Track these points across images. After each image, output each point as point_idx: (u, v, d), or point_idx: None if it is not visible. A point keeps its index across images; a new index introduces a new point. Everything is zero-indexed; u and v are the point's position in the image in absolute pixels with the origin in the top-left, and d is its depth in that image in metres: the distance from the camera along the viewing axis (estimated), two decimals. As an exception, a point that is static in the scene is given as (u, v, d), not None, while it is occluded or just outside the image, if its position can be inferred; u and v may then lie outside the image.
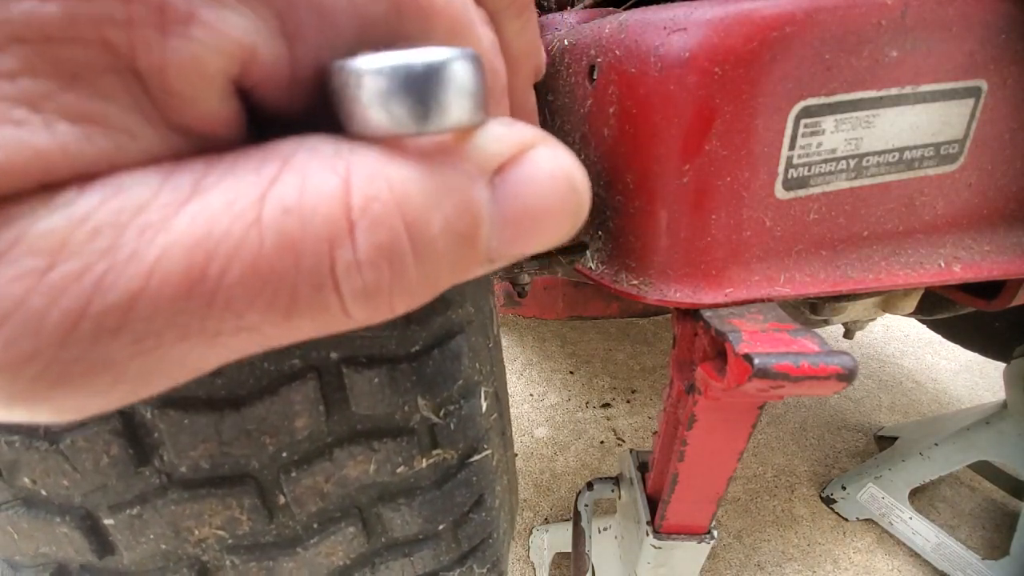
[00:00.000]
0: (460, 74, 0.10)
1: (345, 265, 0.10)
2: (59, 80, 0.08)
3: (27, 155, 0.08)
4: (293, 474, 0.33)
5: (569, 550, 0.73)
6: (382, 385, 0.33)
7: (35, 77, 0.08)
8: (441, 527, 0.41)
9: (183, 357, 0.10)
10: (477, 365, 0.39)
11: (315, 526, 0.36)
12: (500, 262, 0.12)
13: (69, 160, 0.09)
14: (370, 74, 0.10)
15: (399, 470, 0.36)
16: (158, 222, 0.09)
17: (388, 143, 0.10)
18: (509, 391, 1.37)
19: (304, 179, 0.09)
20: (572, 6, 0.49)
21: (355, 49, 0.11)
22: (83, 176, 0.09)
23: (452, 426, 0.38)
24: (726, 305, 0.32)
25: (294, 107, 0.11)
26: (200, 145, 0.10)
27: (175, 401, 0.29)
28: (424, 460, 0.37)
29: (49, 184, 0.09)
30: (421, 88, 0.10)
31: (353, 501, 0.37)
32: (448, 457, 0.39)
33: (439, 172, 0.10)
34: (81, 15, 0.08)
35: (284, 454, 0.32)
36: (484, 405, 0.40)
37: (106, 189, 0.09)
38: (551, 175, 0.12)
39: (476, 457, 0.41)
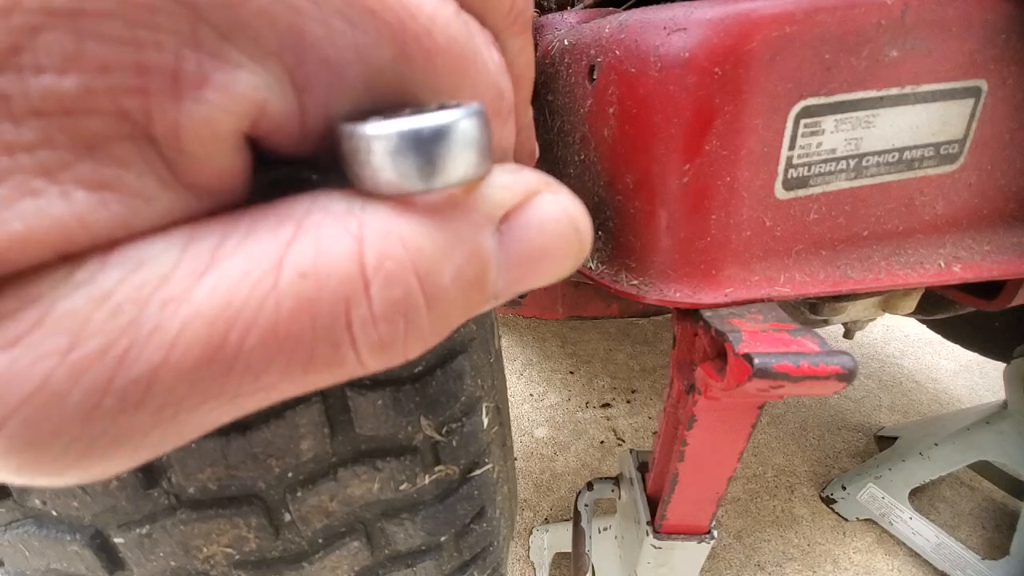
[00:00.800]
0: (466, 133, 0.10)
1: (361, 322, 0.10)
2: (76, 150, 0.08)
3: (46, 225, 0.08)
4: (299, 493, 0.34)
5: (569, 550, 0.73)
6: (386, 407, 0.34)
7: (53, 149, 0.08)
8: (443, 539, 0.41)
9: (202, 419, 0.10)
10: (479, 381, 0.39)
11: (320, 541, 0.37)
12: (505, 298, 0.13)
13: (86, 228, 0.09)
14: (380, 139, 0.10)
15: (402, 487, 0.37)
16: (179, 295, 0.09)
17: (398, 199, 0.11)
18: (509, 391, 1.37)
19: (319, 241, 0.10)
20: (572, 6, 0.49)
21: (363, 96, 0.11)
22: (102, 245, 0.09)
23: (454, 443, 0.38)
24: (726, 305, 0.32)
25: (302, 152, 0.11)
26: (212, 200, 0.10)
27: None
28: (427, 477, 0.38)
29: (68, 255, 0.09)
30: (429, 149, 0.10)
31: (357, 517, 0.38)
32: (450, 473, 0.39)
33: (449, 224, 0.11)
34: (98, 87, 0.08)
35: (290, 475, 0.33)
36: (486, 421, 0.41)
37: (126, 263, 0.09)
38: (555, 220, 0.12)
39: (478, 472, 0.41)
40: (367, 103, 0.11)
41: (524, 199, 0.12)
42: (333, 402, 0.33)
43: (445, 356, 0.36)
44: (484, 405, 0.40)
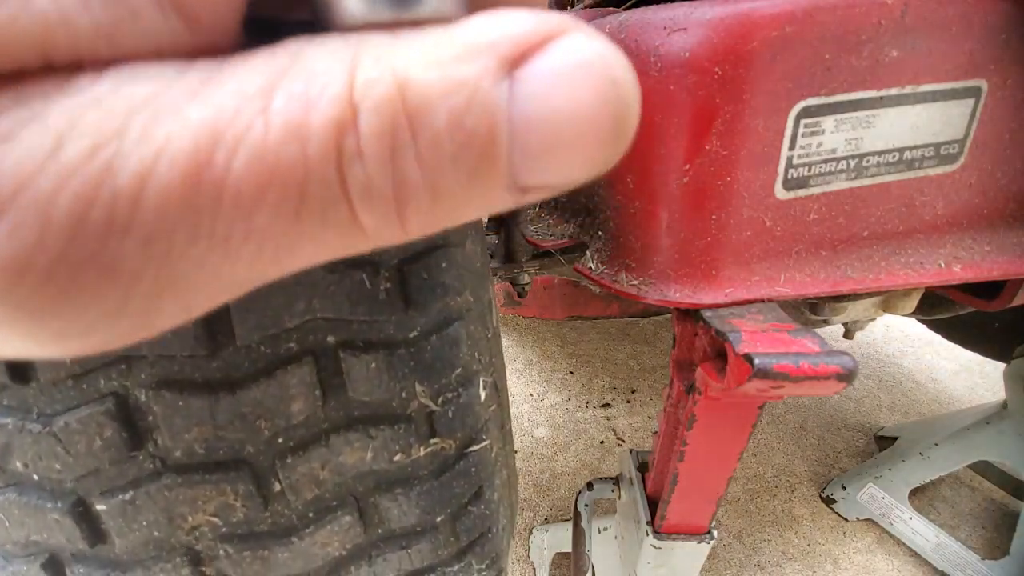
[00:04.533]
0: None
1: (350, 155, 0.09)
2: None
3: (28, 20, 0.08)
4: (288, 460, 0.33)
5: (569, 550, 0.73)
6: (380, 370, 0.33)
7: None
8: (439, 519, 0.40)
9: (196, 270, 0.09)
10: (476, 354, 0.39)
11: (311, 515, 0.36)
12: (529, 193, 0.11)
13: (69, 31, 0.08)
14: None
15: (396, 458, 0.36)
16: (169, 108, 0.09)
17: (395, 30, 0.10)
18: (509, 391, 1.37)
19: (312, 68, 0.09)
20: (572, 6, 0.49)
21: None
22: (95, 61, 0.09)
23: (450, 414, 0.37)
24: (726, 305, 0.32)
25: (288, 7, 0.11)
26: (204, 37, 0.10)
27: (170, 383, 0.29)
28: (422, 449, 0.37)
29: (53, 62, 0.08)
30: None
31: (349, 490, 0.37)
32: (446, 447, 0.38)
33: (446, 61, 0.09)
34: None
35: (279, 439, 0.32)
36: (483, 395, 0.40)
37: (120, 76, 0.09)
38: (583, 65, 0.10)
39: (475, 448, 0.40)
40: None
41: (544, 39, 0.10)
42: (326, 363, 0.32)
43: (441, 322, 0.35)
44: (482, 379, 0.40)
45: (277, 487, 0.34)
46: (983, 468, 1.04)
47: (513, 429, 1.25)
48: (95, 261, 0.09)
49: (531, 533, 0.96)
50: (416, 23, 0.10)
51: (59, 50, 0.08)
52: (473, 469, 0.41)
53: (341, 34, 0.10)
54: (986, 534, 0.98)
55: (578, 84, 0.10)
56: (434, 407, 0.36)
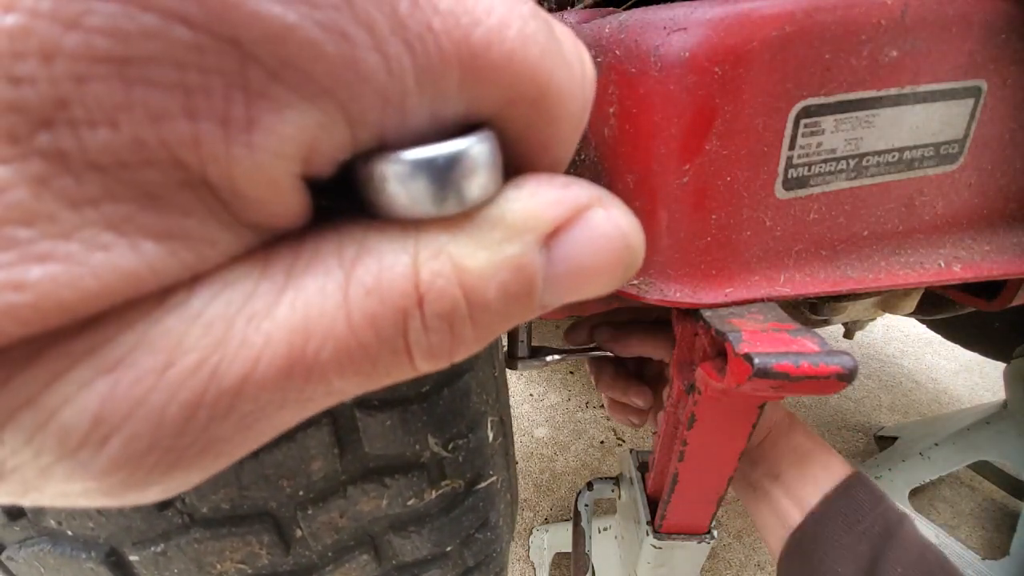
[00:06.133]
0: (476, 159, 0.11)
1: (415, 332, 0.11)
2: (138, 201, 0.08)
3: (118, 277, 0.08)
4: (309, 511, 0.35)
5: (569, 550, 0.73)
6: (394, 426, 0.35)
7: (116, 202, 0.08)
8: (449, 548, 0.42)
9: (277, 423, 0.11)
10: (484, 396, 0.40)
11: (330, 555, 0.38)
12: (552, 307, 0.13)
13: (157, 276, 0.09)
14: (391, 169, 0.11)
15: (410, 503, 0.38)
16: (262, 311, 0.10)
17: (449, 220, 0.11)
18: (509, 391, 1.37)
19: (380, 261, 0.11)
20: (572, 6, 0.49)
21: (425, 121, 0.11)
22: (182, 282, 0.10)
23: (460, 459, 0.39)
24: (726, 305, 0.32)
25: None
26: (275, 232, 0.11)
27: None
28: (433, 492, 0.39)
29: (143, 298, 0.09)
30: (439, 178, 0.11)
31: (366, 531, 0.38)
32: (456, 487, 0.40)
33: (496, 244, 0.11)
34: (151, 138, 0.08)
35: (301, 493, 0.34)
36: (491, 435, 0.42)
37: (212, 287, 0.10)
38: (606, 237, 0.12)
39: (482, 484, 0.43)
40: (427, 127, 0.11)
41: (574, 215, 0.12)
42: (343, 423, 0.33)
43: (452, 375, 0.36)
44: (489, 420, 0.42)
45: (299, 534, 0.35)
46: (983, 468, 1.04)
47: (513, 430, 1.24)
48: (197, 444, 0.10)
49: (531, 533, 0.96)
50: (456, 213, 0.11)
51: (147, 292, 0.09)
52: (481, 503, 0.43)
53: (399, 223, 0.11)
54: (986, 534, 0.98)
55: (601, 250, 0.12)
56: (445, 454, 0.38)
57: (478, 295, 0.11)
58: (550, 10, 0.51)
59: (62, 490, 0.09)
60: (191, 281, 0.10)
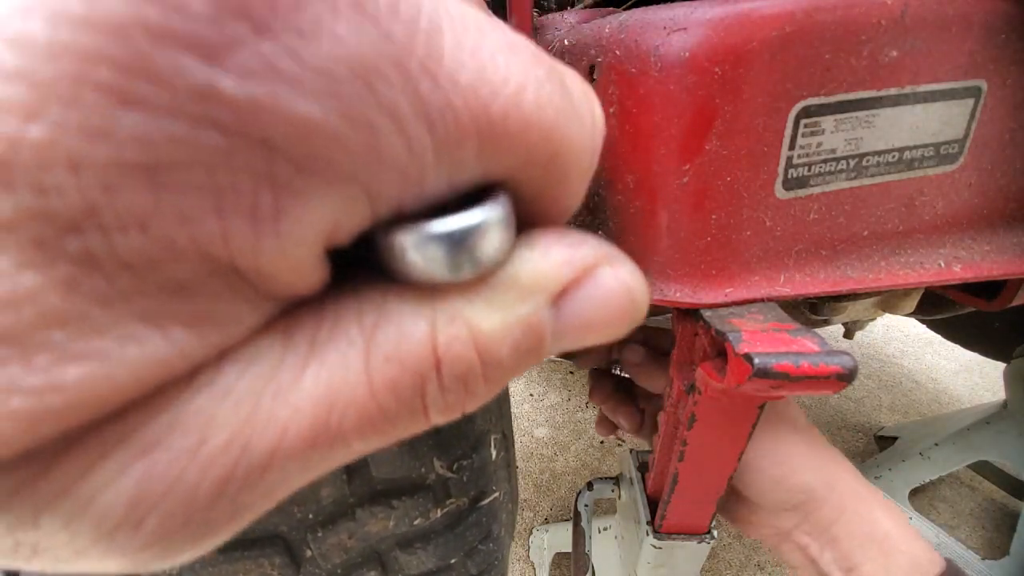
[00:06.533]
0: (492, 228, 0.11)
1: (433, 394, 0.11)
2: (168, 293, 0.09)
3: (151, 366, 0.09)
4: (319, 533, 0.36)
5: (569, 550, 0.73)
6: (400, 451, 0.36)
7: (147, 296, 0.08)
8: (453, 560, 0.44)
9: (297, 484, 0.11)
10: (488, 415, 0.41)
11: (339, 572, 0.39)
12: (555, 354, 0.14)
13: (187, 361, 0.09)
14: (407, 240, 0.11)
15: (416, 522, 0.39)
16: (288, 385, 0.10)
17: (464, 286, 0.12)
18: (509, 391, 1.37)
19: (399, 328, 0.11)
20: (572, 6, 0.49)
21: (443, 189, 0.11)
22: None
23: (464, 478, 0.40)
24: (726, 305, 0.32)
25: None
26: (297, 300, 0.11)
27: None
28: (439, 511, 0.40)
29: (167, 384, 0.09)
30: (454, 248, 0.11)
31: (374, 549, 0.40)
32: (460, 504, 0.42)
33: (509, 306, 0.12)
34: (181, 238, 0.08)
35: (311, 517, 0.35)
36: (494, 453, 0.43)
37: (238, 363, 0.10)
38: (612, 294, 0.13)
39: (486, 500, 0.44)
40: (443, 192, 0.11)
41: (582, 275, 0.12)
42: None
43: None
44: (492, 438, 0.43)
45: (308, 554, 0.37)
46: (983, 468, 1.04)
47: (513, 430, 1.24)
48: (224, 515, 0.10)
49: (531, 533, 0.96)
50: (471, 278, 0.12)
51: (179, 375, 0.10)
52: (484, 518, 0.44)
53: (416, 288, 0.12)
54: (986, 534, 0.98)
55: (607, 306, 0.13)
56: (450, 475, 0.39)
57: (492, 355, 0.12)
58: (550, 10, 0.51)
59: (92, 566, 0.10)
60: (217, 358, 0.10)
